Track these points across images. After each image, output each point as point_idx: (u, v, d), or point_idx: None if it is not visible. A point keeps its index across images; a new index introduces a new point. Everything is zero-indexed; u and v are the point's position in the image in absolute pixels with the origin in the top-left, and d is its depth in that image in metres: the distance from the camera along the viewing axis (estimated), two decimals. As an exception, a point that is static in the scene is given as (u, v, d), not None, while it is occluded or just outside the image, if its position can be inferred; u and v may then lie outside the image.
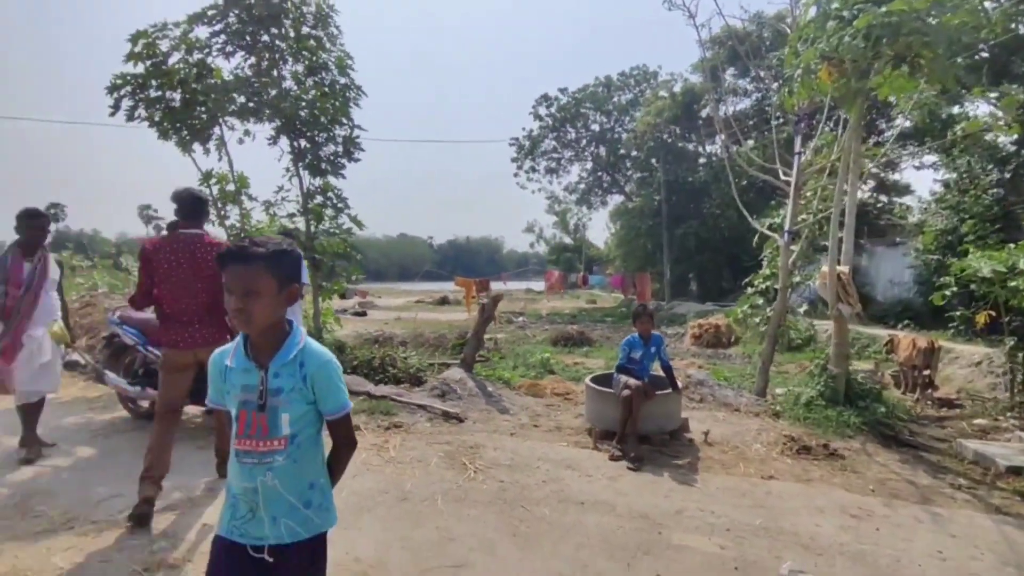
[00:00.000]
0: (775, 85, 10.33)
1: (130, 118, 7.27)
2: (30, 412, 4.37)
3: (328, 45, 7.57)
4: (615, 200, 32.78)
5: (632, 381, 4.68)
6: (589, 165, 31.84)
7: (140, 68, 6.90)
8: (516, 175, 31.28)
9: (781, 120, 13.38)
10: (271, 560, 1.44)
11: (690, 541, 3.13)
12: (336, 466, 1.61)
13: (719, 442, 4.91)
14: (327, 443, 1.62)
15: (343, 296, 8.37)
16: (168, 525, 3.24)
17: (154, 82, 7.00)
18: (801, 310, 11.15)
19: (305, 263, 6.16)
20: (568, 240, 53.51)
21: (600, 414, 4.96)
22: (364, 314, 19.83)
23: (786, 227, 6.80)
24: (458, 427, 5.31)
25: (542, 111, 29.67)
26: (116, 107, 7.11)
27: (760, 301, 8.22)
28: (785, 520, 3.42)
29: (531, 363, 8.28)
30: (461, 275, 27.85)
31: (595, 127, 30.42)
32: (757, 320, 8.42)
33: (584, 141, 30.77)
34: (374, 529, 3.19)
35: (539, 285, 44.62)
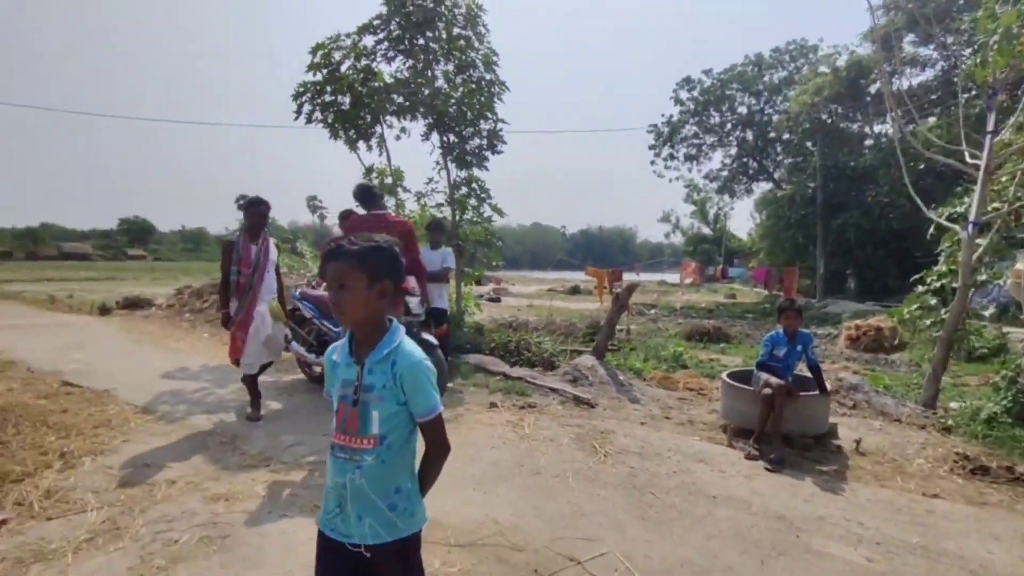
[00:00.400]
0: (966, 52, 8.96)
1: (308, 120, 8.34)
2: (252, 380, 4.87)
3: (476, 44, 8.01)
4: (761, 188, 30.54)
5: (774, 380, 4.48)
6: (733, 151, 29.95)
7: (318, 76, 7.88)
8: (653, 163, 30.33)
9: (974, 93, 11.57)
10: (368, 556, 1.46)
11: (832, 548, 2.99)
12: (427, 471, 1.58)
13: (873, 452, 4.53)
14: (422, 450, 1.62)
15: (479, 282, 8.88)
16: (340, 471, 3.78)
17: (328, 88, 7.95)
18: (987, 313, 9.64)
19: (451, 250, 6.68)
20: (707, 231, 50.82)
21: (737, 411, 4.82)
22: (498, 300, 20.65)
23: (971, 217, 5.95)
24: (588, 412, 5.46)
25: (683, 95, 28.38)
26: (299, 111, 8.18)
27: (933, 301, 7.28)
28: (949, 542, 3.11)
29: (663, 356, 8.15)
30: (592, 265, 27.80)
31: (742, 110, 28.48)
32: (928, 323, 7.47)
33: (729, 125, 28.95)
34: (510, 497, 3.47)
35: (673, 277, 43.07)
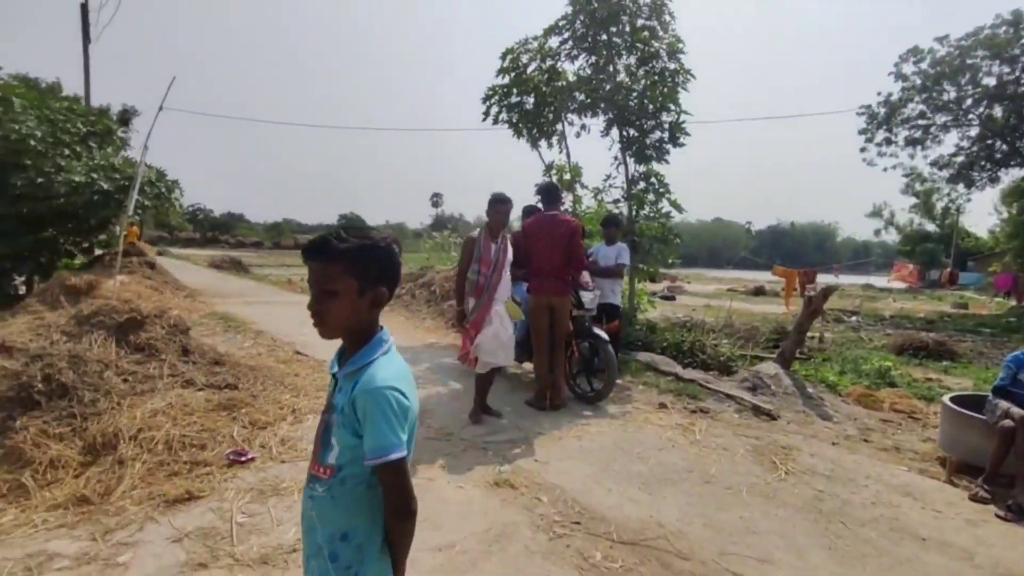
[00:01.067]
0: None
1: (495, 122, 8.87)
2: (483, 381, 4.67)
3: (660, 33, 7.78)
4: (1012, 176, 24.89)
5: (1017, 410, 3.69)
6: (974, 131, 24.79)
7: (506, 80, 8.34)
8: (863, 150, 26.36)
9: None
10: None
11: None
12: (389, 533, 1.26)
13: None
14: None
15: (653, 279, 8.63)
16: (509, 454, 4.02)
17: (515, 90, 8.37)
18: None
19: (626, 246, 6.61)
20: (931, 227, 43.05)
21: (962, 443, 4.06)
22: (672, 298, 19.89)
23: None
24: (769, 424, 5.04)
25: (908, 69, 24.18)
26: (487, 114, 8.75)
27: None
28: None
29: (864, 370, 7.15)
30: (781, 264, 25.27)
31: (989, 81, 23.39)
32: None
33: (970, 101, 24.01)
34: (677, 502, 3.37)
35: (882, 280, 37.29)
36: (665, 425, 4.81)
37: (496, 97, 8.64)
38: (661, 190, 7.91)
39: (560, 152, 8.60)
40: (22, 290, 11.27)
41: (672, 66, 7.81)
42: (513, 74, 8.37)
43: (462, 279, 4.66)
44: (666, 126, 7.70)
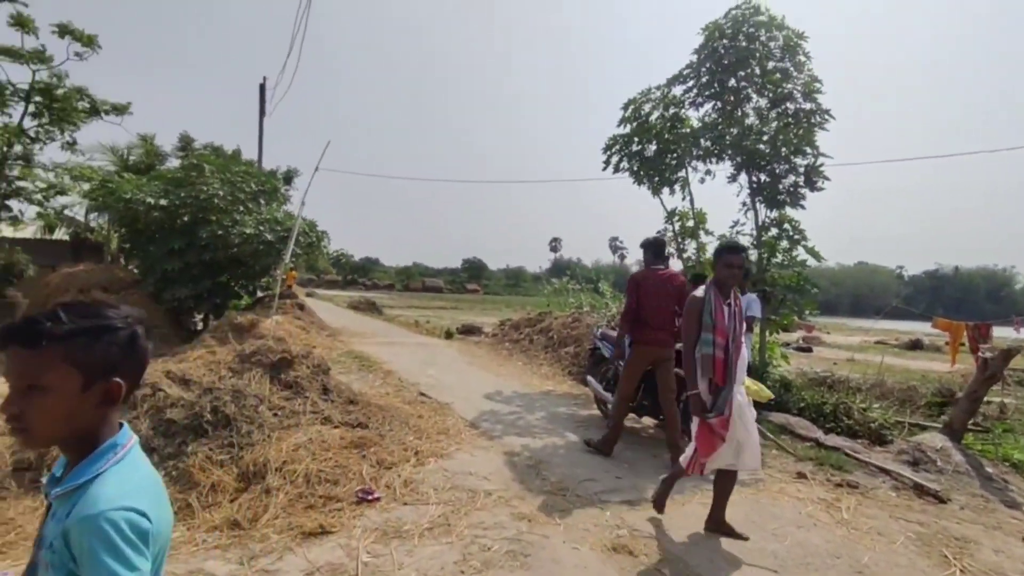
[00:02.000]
0: None
1: (616, 170, 8.91)
2: (725, 483, 3.62)
3: (794, 73, 7.42)
4: None
5: None
6: None
7: (626, 129, 8.39)
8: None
9: None
10: None
11: None
12: None
13: None
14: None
15: (786, 329, 7.94)
16: (629, 515, 3.83)
17: (636, 139, 8.38)
18: None
19: (756, 296, 6.21)
20: None
21: None
22: (809, 350, 18.17)
23: None
24: (936, 508, 4.33)
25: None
26: (608, 163, 8.82)
27: None
28: None
29: (1067, 449, 5.93)
30: (943, 315, 22.10)
31: None
32: None
33: None
34: (822, 592, 2.98)
35: (1086, 338, 31.03)
36: (804, 498, 4.33)
37: (617, 146, 8.69)
38: (796, 236, 7.37)
39: (683, 199, 8.40)
40: (199, 326, 13.09)
41: (808, 106, 7.38)
42: (635, 123, 8.39)
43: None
44: (801, 169, 7.23)
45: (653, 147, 8.42)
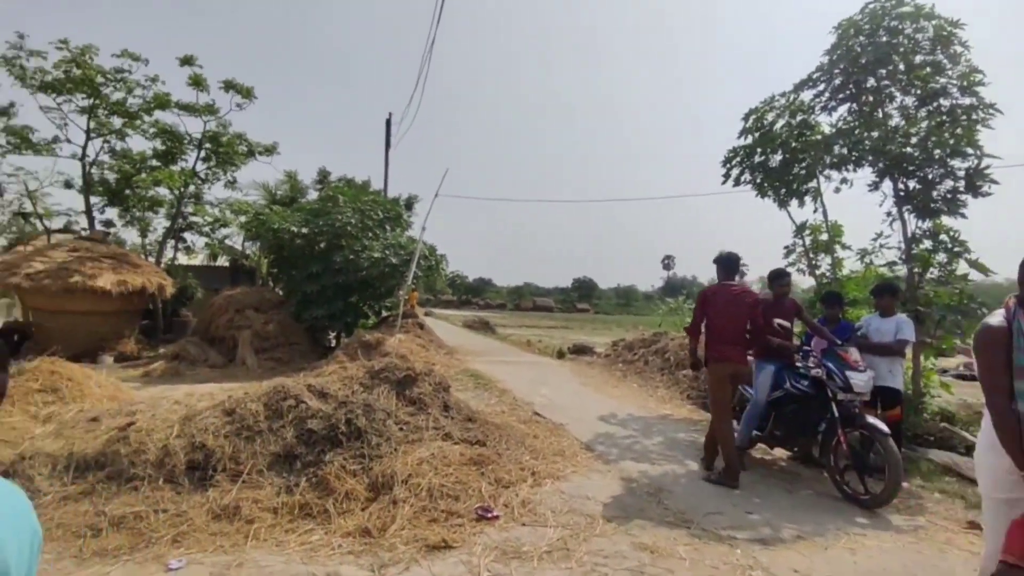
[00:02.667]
0: None
1: (736, 183, 8.46)
2: None
3: (948, 66, 6.61)
4: None
5: None
6: None
7: (748, 140, 7.95)
8: None
9: None
10: None
11: None
12: None
13: None
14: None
15: (942, 353, 6.94)
16: (762, 556, 3.53)
17: (759, 149, 7.91)
18: None
19: (906, 318, 5.53)
20: None
21: None
22: (973, 377, 15.77)
23: None
24: None
25: None
26: (727, 176, 8.41)
27: None
28: None
29: None
30: None
31: None
32: None
33: None
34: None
35: None
36: (980, 553, 3.72)
37: (737, 158, 8.27)
38: (956, 248, 6.47)
39: (815, 211, 7.74)
40: (333, 343, 14.25)
41: (966, 101, 6.50)
42: (757, 133, 7.94)
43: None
44: (960, 173, 6.37)
45: (778, 157, 7.90)
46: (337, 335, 13.62)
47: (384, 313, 14.39)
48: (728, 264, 5.20)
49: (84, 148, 14.32)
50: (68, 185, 15.62)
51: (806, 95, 7.51)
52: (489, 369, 11.32)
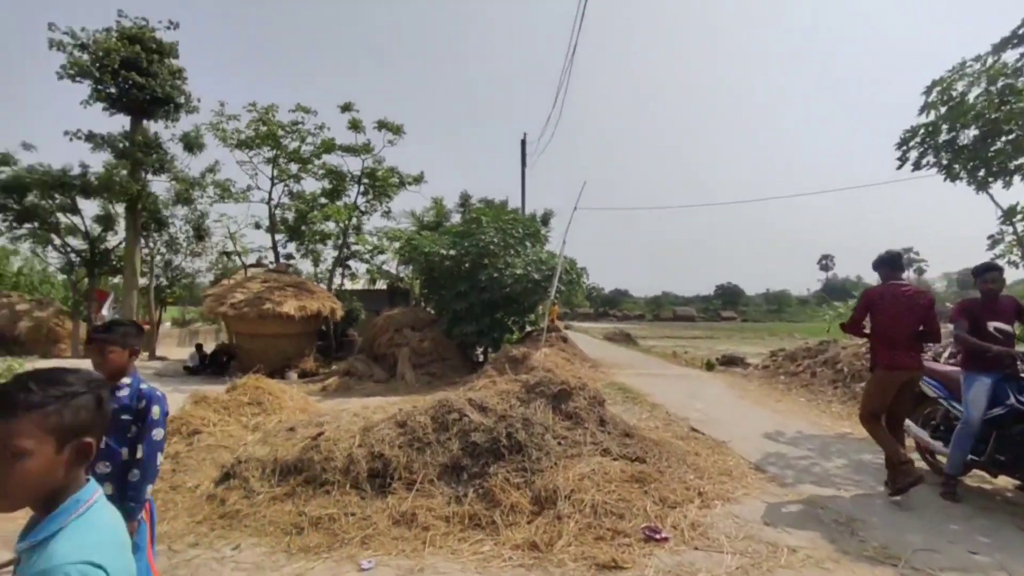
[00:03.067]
0: None
1: (916, 167, 7.41)
2: None
3: None
4: None
5: None
6: None
7: (931, 116, 6.93)
8: None
9: None
10: None
11: None
12: None
13: None
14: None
15: None
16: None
17: (945, 126, 6.86)
18: None
19: None
20: None
21: None
22: None
23: None
24: None
25: None
26: (903, 160, 7.40)
27: None
28: None
29: None
30: None
31: None
32: None
33: None
34: None
35: None
36: None
37: (917, 139, 7.24)
38: None
39: (1030, 191, 6.50)
40: (480, 358, 14.86)
41: None
42: (943, 107, 6.89)
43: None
44: None
45: (972, 132, 6.78)
46: (485, 350, 14.18)
47: (528, 328, 14.71)
48: (892, 262, 4.83)
49: (270, 193, 16.70)
50: (257, 226, 18.31)
51: (1009, 55, 6.38)
52: (636, 382, 11.01)
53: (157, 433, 2.46)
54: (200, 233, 18.77)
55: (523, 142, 18.24)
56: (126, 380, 2.47)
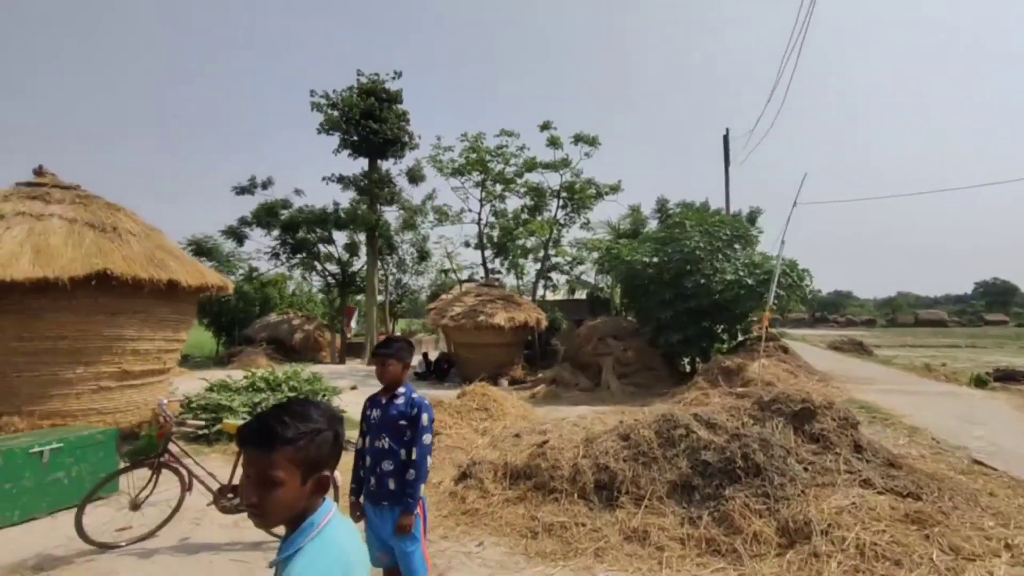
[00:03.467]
0: None
1: None
2: None
3: None
4: None
5: None
6: None
7: None
8: None
9: None
10: None
11: None
12: None
13: None
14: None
15: None
16: None
17: None
18: None
19: None
20: None
21: None
22: None
23: None
24: None
25: None
26: None
27: None
28: None
29: None
30: None
31: None
32: None
33: None
34: None
35: None
36: None
37: None
38: None
39: None
40: (687, 368, 14.17)
41: None
42: None
43: None
44: None
45: None
46: (692, 360, 13.49)
47: (740, 337, 13.63)
48: None
49: (479, 214, 18.17)
50: (466, 244, 20.07)
51: None
52: (884, 401, 9.41)
53: (427, 438, 2.76)
54: (423, 254, 21.24)
55: (726, 138, 17.03)
56: (401, 390, 2.83)
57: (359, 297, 23.15)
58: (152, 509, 4.36)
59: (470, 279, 19.87)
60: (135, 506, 4.24)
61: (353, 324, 18.70)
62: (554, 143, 16.49)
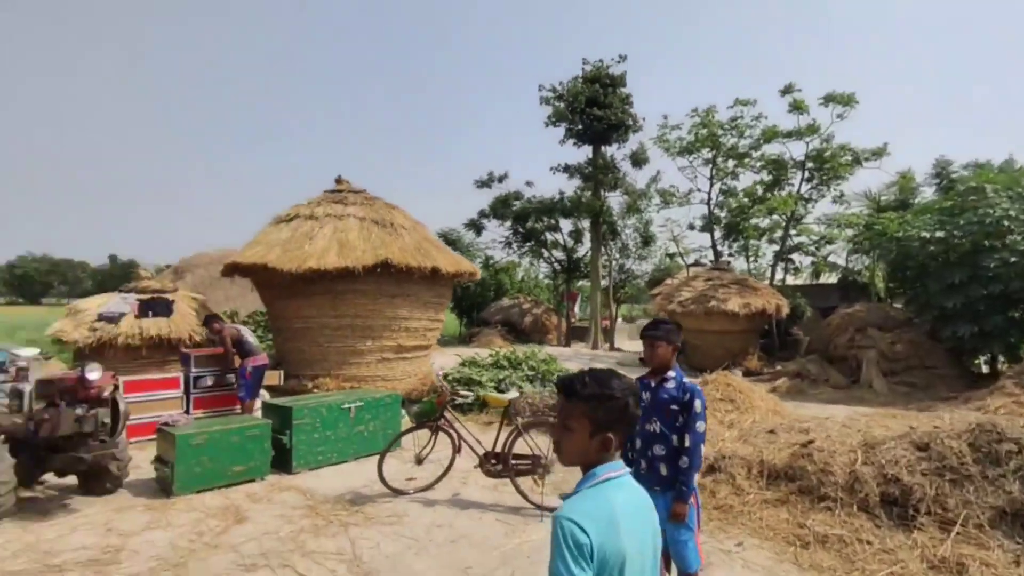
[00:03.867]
0: None
1: None
2: None
3: None
4: None
5: None
6: None
7: None
8: None
9: None
10: None
11: None
12: None
13: None
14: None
15: None
16: None
17: None
18: None
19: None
20: None
21: None
22: None
23: None
24: None
25: None
26: None
27: None
28: None
29: None
30: None
31: None
32: None
33: None
34: None
35: None
36: None
37: None
38: None
39: None
40: (984, 368, 11.42)
41: None
42: None
43: None
44: None
45: None
46: (992, 359, 10.83)
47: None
48: None
49: (709, 193, 17.08)
50: (691, 227, 19.06)
51: None
52: None
53: (700, 426, 2.65)
54: (646, 239, 20.82)
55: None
56: (671, 373, 2.76)
57: (581, 283, 23.76)
58: (431, 465, 5.04)
59: (697, 263, 18.83)
60: (419, 461, 4.96)
61: (576, 309, 19.24)
62: (798, 107, 14.52)
